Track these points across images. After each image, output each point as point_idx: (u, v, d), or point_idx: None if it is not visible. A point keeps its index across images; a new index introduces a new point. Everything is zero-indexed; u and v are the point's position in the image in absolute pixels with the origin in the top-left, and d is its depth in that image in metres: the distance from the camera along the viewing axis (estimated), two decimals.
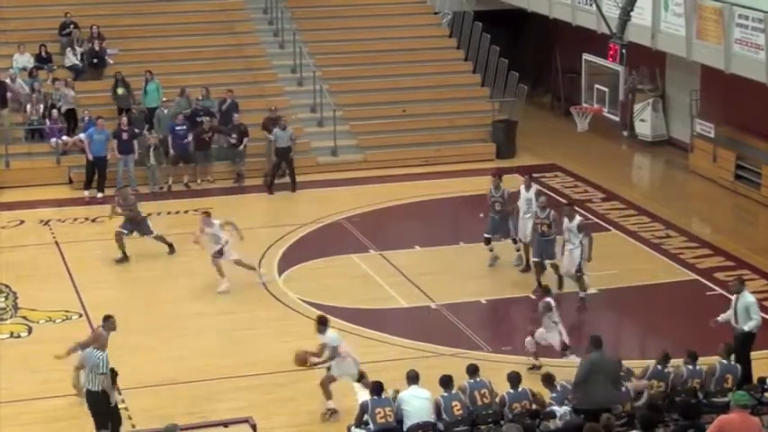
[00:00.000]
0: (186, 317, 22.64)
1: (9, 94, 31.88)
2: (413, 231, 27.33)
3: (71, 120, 31.75)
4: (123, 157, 30.33)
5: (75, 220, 28.42)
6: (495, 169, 28.76)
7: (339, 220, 27.85)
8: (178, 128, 30.89)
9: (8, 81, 32.09)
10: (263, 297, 23.45)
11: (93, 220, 28.23)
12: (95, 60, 33.59)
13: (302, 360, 18.46)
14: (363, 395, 17.19)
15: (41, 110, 31.85)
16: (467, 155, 32.92)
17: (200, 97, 32.36)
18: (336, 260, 25.56)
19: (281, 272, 24.67)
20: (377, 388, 16.46)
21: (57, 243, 26.55)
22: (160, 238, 25.58)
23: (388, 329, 22.01)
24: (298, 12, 36.87)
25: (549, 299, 20.05)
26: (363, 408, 16.41)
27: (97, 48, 33.68)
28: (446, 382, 16.63)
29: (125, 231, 25.37)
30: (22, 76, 32.52)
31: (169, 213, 28.69)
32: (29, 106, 31.94)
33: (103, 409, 16.97)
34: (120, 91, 32.43)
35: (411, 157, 32.67)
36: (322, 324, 18.47)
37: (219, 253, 23.55)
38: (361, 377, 18.24)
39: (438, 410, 16.43)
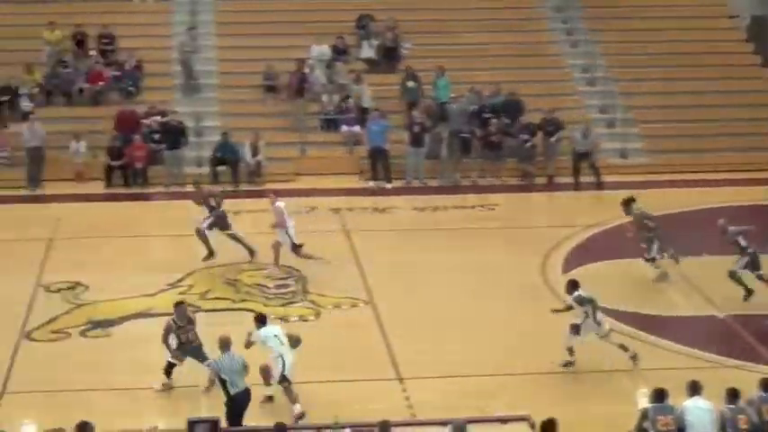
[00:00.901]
0: (471, 312, 22.66)
1: (306, 85, 32.95)
2: (701, 238, 26.72)
3: (362, 111, 32.53)
4: (414, 149, 30.88)
5: (365, 209, 29.10)
6: None
7: (624, 223, 27.52)
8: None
9: (306, 71, 33.14)
10: (547, 297, 23.35)
11: (382, 211, 28.84)
12: (389, 53, 34.30)
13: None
14: (643, 401, 16.96)
15: (336, 100, 32.77)
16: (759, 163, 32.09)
17: (489, 94, 32.59)
18: (619, 264, 25.29)
19: (564, 272, 24.57)
20: (659, 395, 16.25)
21: (346, 231, 27.24)
22: None
23: (670, 336, 21.67)
24: (591, 11, 36.62)
25: None
26: (644, 414, 16.23)
27: (392, 41, 34.38)
28: (733, 394, 16.26)
29: None
30: (319, 67, 33.57)
31: (456, 208, 29.01)
32: (325, 97, 32.90)
33: None
34: (411, 84, 33.00)
35: (701, 163, 31.98)
36: (260, 322, 18.64)
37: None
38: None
39: (722, 423, 16.09)
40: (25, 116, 31.54)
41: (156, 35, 35.06)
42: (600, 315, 19.97)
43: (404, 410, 18.17)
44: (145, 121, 31.68)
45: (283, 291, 23.62)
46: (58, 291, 23.50)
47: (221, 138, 31.40)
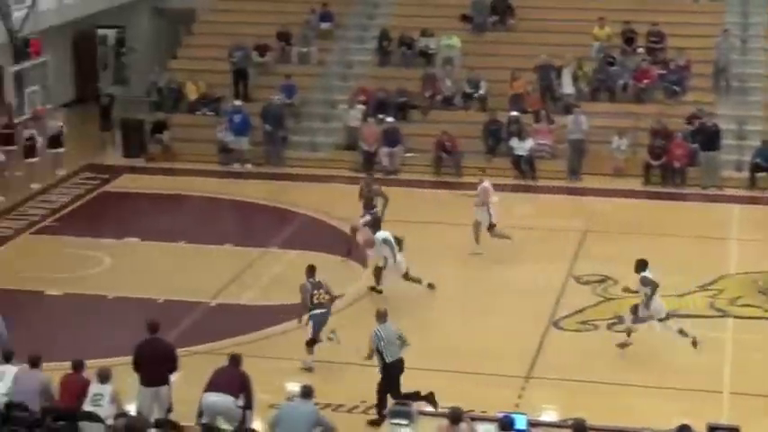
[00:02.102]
0: None
1: None
2: None
3: None
4: None
5: None
6: None
7: None
8: None
9: None
10: None
11: None
12: None
13: None
14: None
15: None
16: None
17: None
18: None
19: None
20: None
21: None
22: None
23: None
24: None
25: None
26: None
27: None
28: None
29: None
30: None
31: None
32: None
33: None
34: None
35: None
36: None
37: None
38: None
39: None
40: (568, 109, 32.34)
41: (704, 35, 34.76)
42: (656, 302, 19.85)
43: None
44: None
45: None
46: (588, 283, 24.02)
47: (762, 144, 30.73)
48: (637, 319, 20.56)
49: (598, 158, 31.62)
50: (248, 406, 16.81)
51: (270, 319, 22.03)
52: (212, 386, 16.69)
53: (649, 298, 20.25)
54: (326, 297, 20.35)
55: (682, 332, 20.33)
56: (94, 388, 16.23)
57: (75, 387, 16.45)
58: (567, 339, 21.59)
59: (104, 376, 16.32)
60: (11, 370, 16.91)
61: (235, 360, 17.01)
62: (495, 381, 19.79)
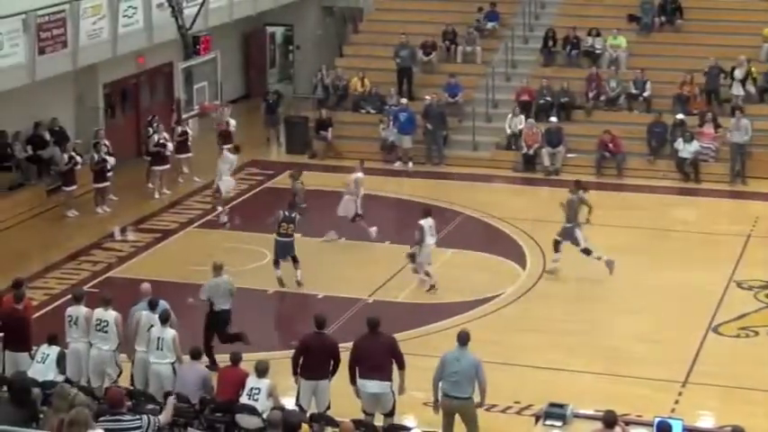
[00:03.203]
0: None
1: None
2: None
3: None
4: None
5: None
6: None
7: None
8: None
9: None
10: None
11: None
12: None
13: None
14: None
15: None
16: None
17: None
18: None
19: None
20: None
21: None
22: None
23: None
24: None
25: None
26: None
27: None
28: None
29: None
30: None
31: None
32: None
33: None
34: None
35: None
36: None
37: None
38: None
39: None
40: (734, 111, 31.77)
41: None
42: None
43: None
44: None
45: None
46: (750, 288, 23.61)
47: None
48: None
49: (764, 162, 30.99)
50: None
51: (425, 317, 22.19)
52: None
53: None
54: (291, 229, 23.59)
55: None
56: (252, 382, 16.54)
57: (233, 380, 16.81)
58: (726, 345, 21.26)
59: (262, 370, 16.62)
60: (80, 311, 18.08)
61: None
62: (653, 385, 19.62)
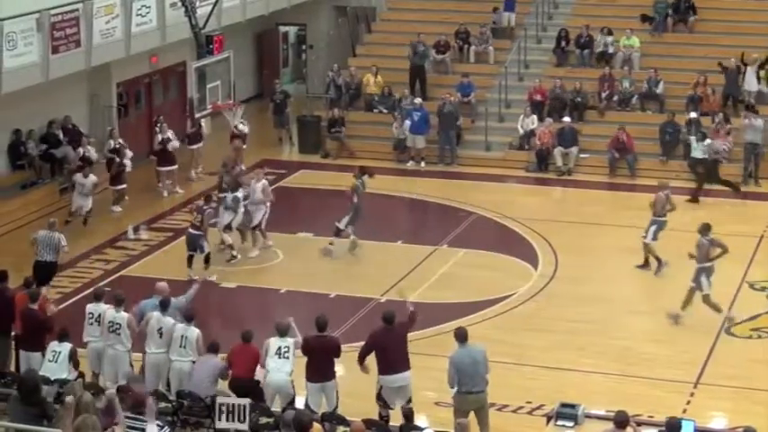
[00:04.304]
0: None
1: None
2: None
3: None
4: None
5: None
6: None
7: None
8: None
9: None
10: None
11: None
12: None
13: None
14: None
15: None
16: None
17: None
18: None
19: None
20: None
21: None
22: None
23: None
24: None
25: None
26: None
27: None
28: None
29: None
30: None
31: None
32: None
33: None
34: None
35: None
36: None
37: None
38: None
39: None
40: (747, 109, 31.69)
41: None
42: None
43: None
44: None
45: None
46: (762, 289, 23.57)
47: None
48: None
49: None
50: None
51: (436, 317, 22.17)
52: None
53: None
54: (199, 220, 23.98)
55: None
56: (276, 342, 17.18)
57: (247, 358, 17.18)
58: (738, 346, 21.22)
59: (283, 330, 17.29)
60: (101, 309, 18.23)
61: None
62: (665, 385, 19.60)
